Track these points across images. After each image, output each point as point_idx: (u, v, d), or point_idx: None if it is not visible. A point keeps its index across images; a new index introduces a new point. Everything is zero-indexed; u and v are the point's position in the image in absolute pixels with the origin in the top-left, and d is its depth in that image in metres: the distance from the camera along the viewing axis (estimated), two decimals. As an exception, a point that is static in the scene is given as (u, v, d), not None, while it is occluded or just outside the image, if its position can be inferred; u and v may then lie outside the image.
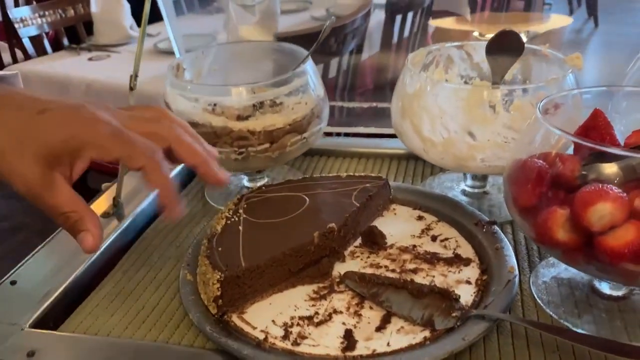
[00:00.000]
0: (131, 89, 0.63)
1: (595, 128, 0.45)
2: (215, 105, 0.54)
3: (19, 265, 0.53)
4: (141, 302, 0.48)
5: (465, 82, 0.62)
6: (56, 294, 0.49)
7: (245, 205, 0.54)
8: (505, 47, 0.51)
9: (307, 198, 0.55)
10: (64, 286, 0.50)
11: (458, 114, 0.50)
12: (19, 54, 2.22)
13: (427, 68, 0.62)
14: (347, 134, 0.79)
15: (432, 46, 0.61)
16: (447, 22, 2.03)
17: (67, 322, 0.46)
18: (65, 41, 1.97)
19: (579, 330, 0.42)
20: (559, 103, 0.49)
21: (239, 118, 0.55)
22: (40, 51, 1.91)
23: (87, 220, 0.39)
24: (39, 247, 0.55)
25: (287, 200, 0.55)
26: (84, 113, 0.38)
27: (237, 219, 0.51)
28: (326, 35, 0.53)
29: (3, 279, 0.51)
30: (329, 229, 0.50)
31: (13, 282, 0.50)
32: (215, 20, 1.85)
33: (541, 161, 0.42)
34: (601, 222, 0.36)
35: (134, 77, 0.63)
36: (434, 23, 2.12)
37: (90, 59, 1.67)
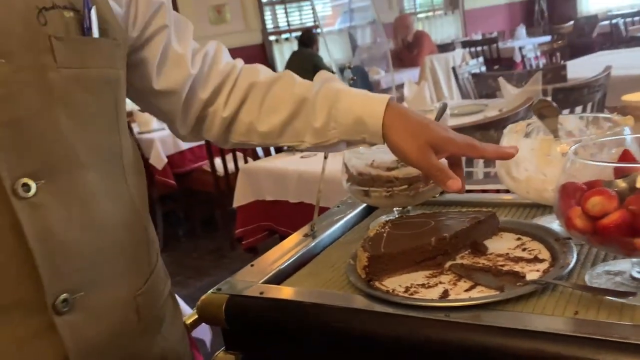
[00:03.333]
0: (325, 157, 0.98)
1: (624, 161, 0.65)
2: (373, 161, 0.86)
3: (257, 258, 0.87)
4: (324, 278, 0.78)
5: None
6: (275, 270, 0.81)
7: (390, 224, 0.82)
8: (545, 112, 0.73)
9: (433, 221, 0.81)
10: (279, 268, 0.82)
11: (533, 159, 0.74)
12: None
13: (529, 135, 0.85)
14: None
15: (530, 119, 0.85)
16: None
17: (280, 285, 0.79)
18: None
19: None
20: (605, 147, 0.69)
21: (388, 169, 0.85)
22: (266, 154, 2.49)
23: (452, 173, 0.69)
24: (266, 252, 0.90)
25: (418, 222, 0.81)
26: (450, 131, 0.73)
27: (383, 230, 0.80)
28: (442, 115, 0.82)
29: (247, 265, 0.86)
30: (442, 237, 0.75)
31: (252, 265, 0.85)
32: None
33: (576, 182, 0.63)
34: (595, 209, 0.57)
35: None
36: (626, 98, 2.17)
37: (301, 157, 2.16)
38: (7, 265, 0.57)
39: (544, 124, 0.76)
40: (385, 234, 0.78)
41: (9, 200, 0.55)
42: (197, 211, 3.98)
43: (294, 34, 6.48)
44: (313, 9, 5.61)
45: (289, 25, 6.64)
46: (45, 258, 0.57)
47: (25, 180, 0.56)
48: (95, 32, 0.62)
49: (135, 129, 3.80)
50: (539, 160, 0.73)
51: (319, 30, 5.62)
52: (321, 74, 0.81)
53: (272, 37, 6.40)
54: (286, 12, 6.62)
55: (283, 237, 2.28)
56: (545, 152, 0.73)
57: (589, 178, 0.63)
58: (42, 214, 0.58)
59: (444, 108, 0.84)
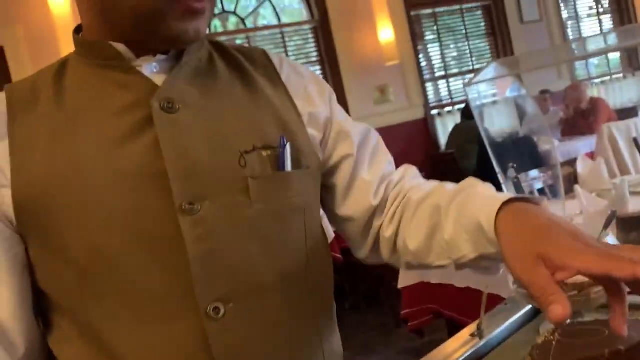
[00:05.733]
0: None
1: None
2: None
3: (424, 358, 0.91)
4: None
5: None
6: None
7: (560, 331, 0.81)
8: None
9: (607, 330, 0.78)
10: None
11: None
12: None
13: None
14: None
15: None
16: None
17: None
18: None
19: None
20: None
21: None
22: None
23: (559, 295, 0.50)
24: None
25: (591, 331, 0.79)
26: (585, 240, 0.52)
27: (552, 338, 0.79)
28: (609, 224, 0.80)
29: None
30: (617, 350, 0.72)
31: None
32: (570, 205, 2.11)
33: None
34: None
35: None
36: None
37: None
38: None
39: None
40: (554, 342, 0.78)
41: (202, 323, 0.63)
42: (362, 285, 4.08)
43: (457, 107, 6.52)
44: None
45: (451, 98, 6.71)
46: None
47: (216, 304, 0.63)
48: (289, 166, 0.68)
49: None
50: None
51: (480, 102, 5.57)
52: (467, 180, 0.72)
53: (434, 111, 6.50)
54: (448, 86, 6.71)
55: (449, 322, 2.27)
56: None
57: None
58: (230, 334, 0.64)
59: (612, 216, 0.82)
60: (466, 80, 6.69)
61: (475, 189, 0.67)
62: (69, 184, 0.63)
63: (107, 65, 0.67)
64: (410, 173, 0.83)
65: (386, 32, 5.47)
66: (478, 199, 0.64)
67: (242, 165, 0.65)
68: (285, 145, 0.68)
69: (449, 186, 0.74)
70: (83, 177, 0.63)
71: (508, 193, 0.65)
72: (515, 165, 1.20)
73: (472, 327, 0.98)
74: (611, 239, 0.85)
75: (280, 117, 0.71)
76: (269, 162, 0.67)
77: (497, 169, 1.20)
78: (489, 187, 0.68)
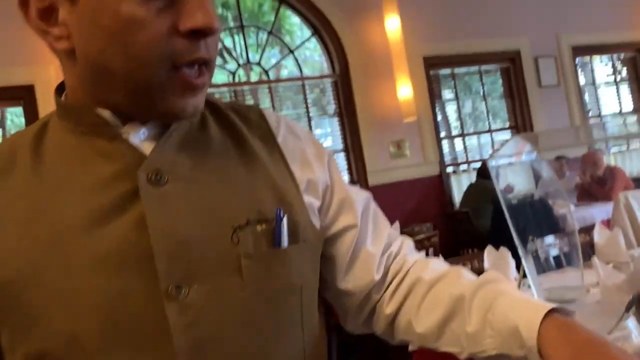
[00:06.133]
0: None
1: None
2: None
3: None
4: None
5: None
6: None
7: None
8: None
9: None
10: None
11: None
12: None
13: None
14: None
15: None
16: None
17: None
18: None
19: None
20: None
21: None
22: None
23: None
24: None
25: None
26: (628, 356, 0.56)
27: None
28: (631, 307, 0.79)
29: None
30: None
31: None
32: (586, 274, 2.06)
33: None
34: None
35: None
36: None
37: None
38: None
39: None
40: None
41: None
42: (369, 342, 3.99)
43: (473, 165, 6.54)
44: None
45: (467, 157, 6.73)
46: None
47: None
48: (285, 242, 0.62)
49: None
50: None
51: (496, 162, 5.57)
52: (488, 274, 0.70)
53: (449, 169, 6.52)
54: (464, 144, 6.76)
55: (459, 388, 2.19)
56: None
57: None
58: None
59: (633, 300, 0.82)
60: (482, 139, 6.75)
61: (500, 285, 0.67)
62: (45, 266, 0.57)
63: (91, 132, 0.62)
64: (408, 244, 0.79)
65: (405, 90, 5.57)
66: (509, 300, 0.63)
67: (235, 242, 0.60)
68: (281, 219, 0.63)
69: (467, 275, 0.72)
70: (60, 258, 0.57)
71: (540, 300, 0.63)
72: (534, 238, 1.20)
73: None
74: (632, 322, 0.84)
75: (276, 187, 0.66)
76: (263, 238, 0.62)
77: (513, 231, 1.20)
78: (513, 286, 0.68)
